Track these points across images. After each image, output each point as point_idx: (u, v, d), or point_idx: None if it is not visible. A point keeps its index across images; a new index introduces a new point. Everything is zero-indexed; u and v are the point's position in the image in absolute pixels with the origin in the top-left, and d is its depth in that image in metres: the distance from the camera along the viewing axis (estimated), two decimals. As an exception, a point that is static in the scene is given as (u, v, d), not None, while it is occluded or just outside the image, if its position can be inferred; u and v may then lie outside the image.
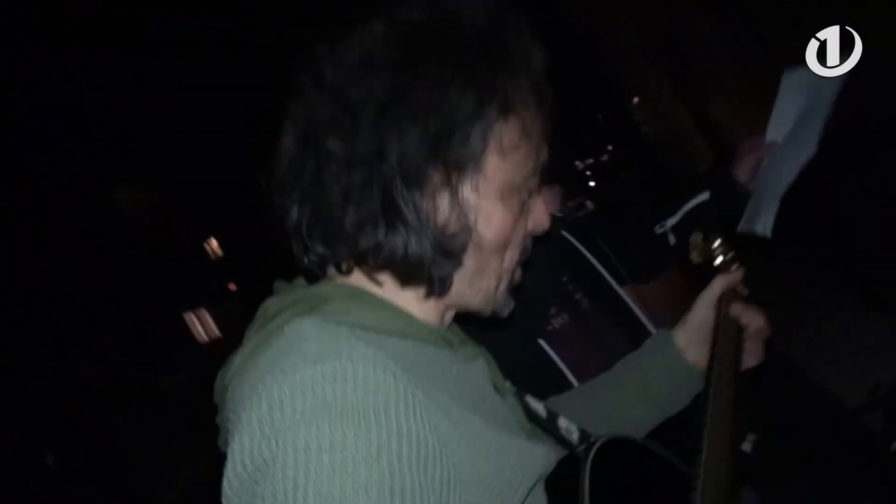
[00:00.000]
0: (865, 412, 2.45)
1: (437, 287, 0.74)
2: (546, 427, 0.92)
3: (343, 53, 0.73)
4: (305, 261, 0.79)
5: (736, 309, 1.10)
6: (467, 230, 0.73)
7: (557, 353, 1.52)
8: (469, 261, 0.75)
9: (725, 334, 1.05)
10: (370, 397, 0.58)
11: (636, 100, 20.06)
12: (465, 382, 0.76)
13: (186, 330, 22.86)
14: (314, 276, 0.80)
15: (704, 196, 1.68)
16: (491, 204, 0.74)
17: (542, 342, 1.53)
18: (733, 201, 1.61)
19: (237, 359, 0.72)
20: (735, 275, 1.16)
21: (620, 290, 1.65)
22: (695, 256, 1.26)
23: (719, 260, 1.22)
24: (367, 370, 0.60)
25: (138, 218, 22.42)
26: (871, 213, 2.76)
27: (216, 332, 24.55)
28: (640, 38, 14.02)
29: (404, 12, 0.74)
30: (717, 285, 1.13)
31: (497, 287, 0.80)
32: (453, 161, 0.70)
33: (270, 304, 0.77)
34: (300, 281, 0.81)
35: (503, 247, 0.77)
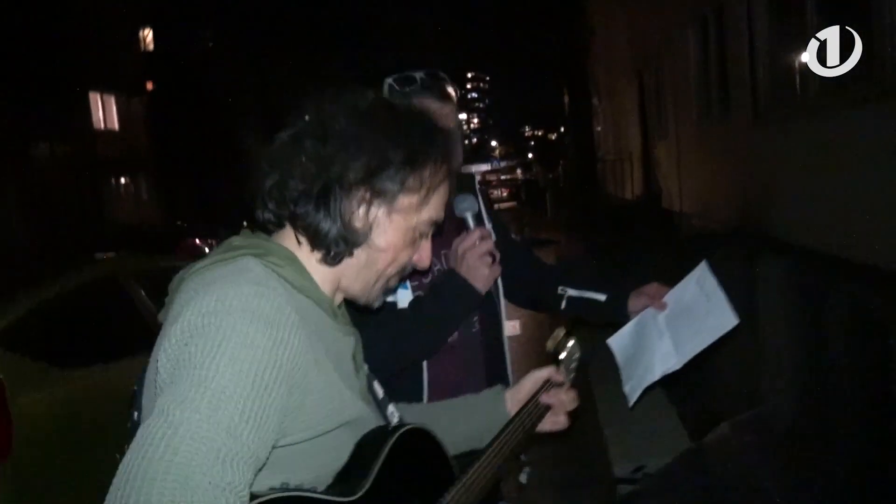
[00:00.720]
0: (623, 483, 2.96)
1: (330, 259, 1.06)
2: (378, 404, 1.21)
3: (342, 100, 1.08)
4: (261, 216, 1.09)
5: (551, 394, 1.43)
6: (366, 234, 1.06)
7: (427, 364, 1.66)
8: (361, 255, 1.08)
9: (534, 406, 1.40)
10: (277, 315, 0.92)
11: (601, 102, 20.42)
12: (334, 345, 1.06)
13: (87, 109, 21.58)
14: (265, 231, 1.11)
15: (601, 297, 1.93)
16: (390, 225, 1.07)
17: None
18: (615, 317, 1.91)
19: (198, 264, 1.01)
20: (565, 380, 1.50)
21: (505, 326, 1.86)
22: (549, 344, 1.54)
23: (563, 355, 1.52)
24: (280, 301, 0.94)
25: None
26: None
27: (115, 123, 23.34)
28: (630, 57, 14.21)
29: (387, 96, 1.15)
30: (548, 372, 1.46)
31: (375, 283, 1.12)
32: (376, 188, 1.04)
33: (235, 239, 1.08)
34: (260, 233, 1.12)
35: (389, 258, 1.10)
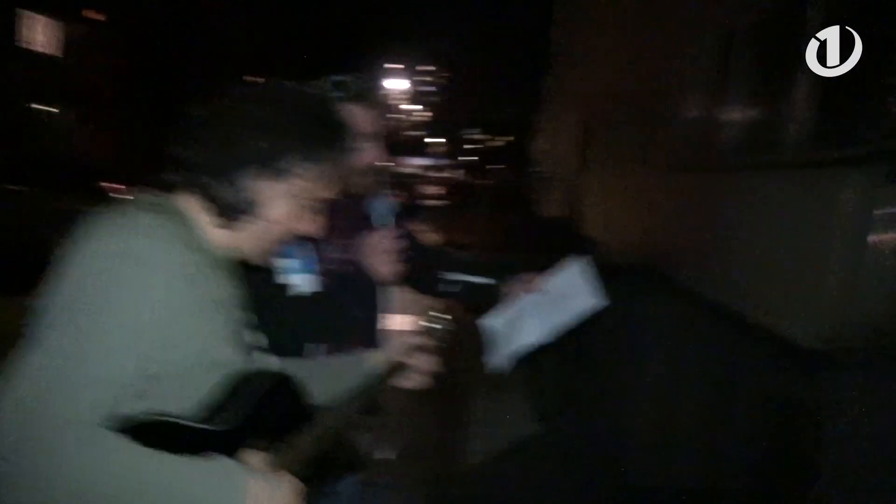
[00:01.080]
0: (472, 473, 3.20)
1: (226, 224, 1.22)
2: (246, 350, 1.32)
3: (252, 87, 1.23)
4: (169, 178, 1.22)
5: (414, 357, 1.59)
6: (259, 205, 1.21)
7: None
8: (254, 222, 1.23)
9: (398, 364, 1.57)
10: (159, 262, 1.07)
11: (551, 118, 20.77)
12: (211, 293, 1.19)
13: (16, 28, 20.44)
14: (170, 189, 1.24)
15: (491, 280, 2.15)
16: (279, 199, 1.23)
17: None
18: (492, 299, 2.12)
19: (97, 210, 1.13)
20: (428, 345, 1.61)
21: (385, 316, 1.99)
22: (422, 318, 1.67)
23: (431, 326, 1.66)
24: (163, 250, 1.09)
25: None
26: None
27: (52, 48, 22.20)
28: (603, 78, 14.45)
29: (301, 88, 1.27)
30: (416, 338, 1.61)
31: (263, 247, 1.28)
32: (271, 168, 1.20)
33: (137, 194, 1.22)
34: (162, 192, 1.25)
35: (278, 227, 1.25)
